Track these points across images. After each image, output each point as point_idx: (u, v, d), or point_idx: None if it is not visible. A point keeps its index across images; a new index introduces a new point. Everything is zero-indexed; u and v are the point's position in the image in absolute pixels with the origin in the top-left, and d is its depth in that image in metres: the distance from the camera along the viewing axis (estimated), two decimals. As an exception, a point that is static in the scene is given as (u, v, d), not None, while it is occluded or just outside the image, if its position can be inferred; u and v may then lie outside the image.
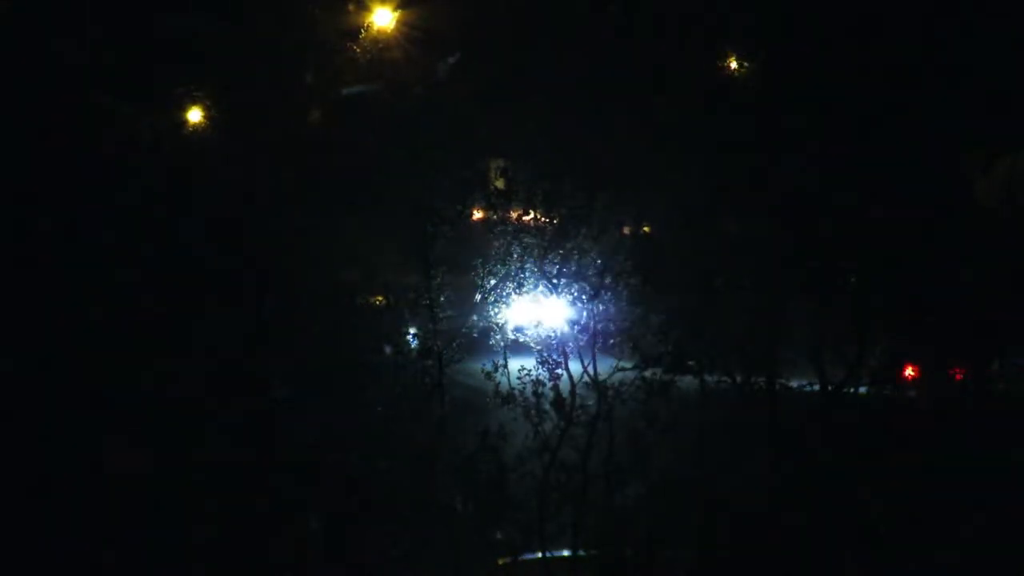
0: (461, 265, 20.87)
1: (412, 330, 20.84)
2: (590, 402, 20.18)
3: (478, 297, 20.54)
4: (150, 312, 19.63)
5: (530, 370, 20.19)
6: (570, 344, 20.30)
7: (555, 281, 20.33)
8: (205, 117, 21.28)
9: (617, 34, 21.04)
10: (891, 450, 19.42)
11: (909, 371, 20.05)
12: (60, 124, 20.12)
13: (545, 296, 20.41)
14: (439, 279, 20.59)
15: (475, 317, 20.45)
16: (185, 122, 21.17)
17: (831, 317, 19.92)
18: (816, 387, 20.03)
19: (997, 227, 19.50)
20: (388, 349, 20.71)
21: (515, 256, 20.42)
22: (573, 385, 20.19)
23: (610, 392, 20.14)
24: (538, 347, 20.24)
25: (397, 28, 21.60)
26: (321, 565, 19.62)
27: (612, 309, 20.43)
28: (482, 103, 21.29)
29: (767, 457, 19.99)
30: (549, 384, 20.20)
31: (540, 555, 19.97)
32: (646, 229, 21.20)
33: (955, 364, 19.72)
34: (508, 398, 20.08)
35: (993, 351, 19.72)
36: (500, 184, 21.12)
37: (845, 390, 19.84)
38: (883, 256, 19.79)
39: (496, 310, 20.42)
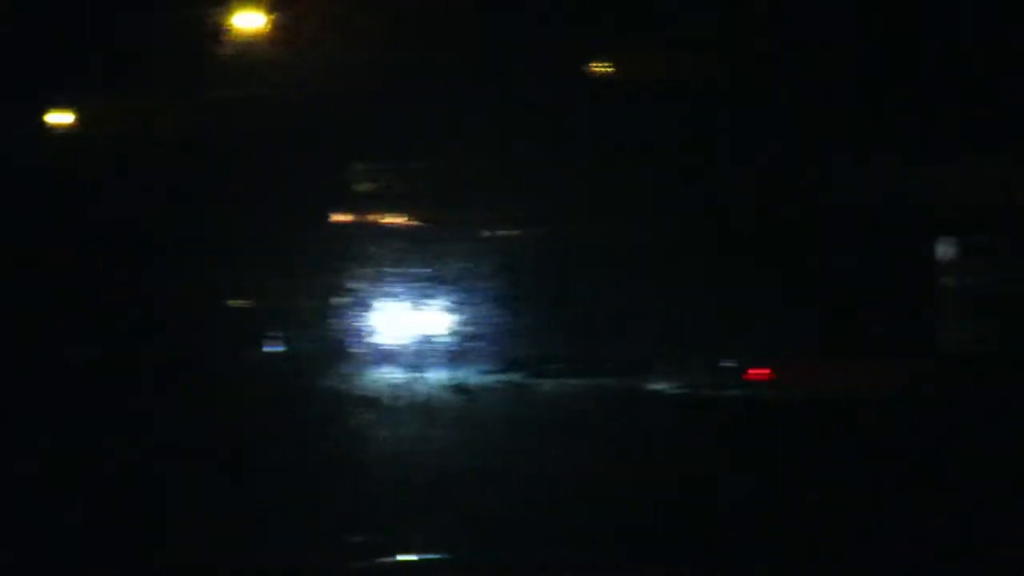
0: (329, 270, 20.91)
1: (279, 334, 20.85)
2: (451, 405, 20.21)
3: (346, 303, 20.59)
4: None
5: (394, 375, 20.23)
6: (434, 349, 20.32)
7: (417, 286, 20.33)
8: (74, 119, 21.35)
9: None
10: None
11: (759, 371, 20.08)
12: None
13: (409, 301, 20.43)
14: (306, 284, 20.62)
15: (340, 322, 20.48)
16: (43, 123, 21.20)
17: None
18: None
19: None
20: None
21: (378, 261, 20.46)
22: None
23: (470, 395, 20.13)
24: (402, 352, 20.27)
25: (268, 28, 21.58)
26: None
27: (476, 313, 20.45)
28: (355, 104, 21.28)
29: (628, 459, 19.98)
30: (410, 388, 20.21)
31: (396, 558, 19.92)
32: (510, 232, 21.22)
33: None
34: (368, 402, 20.05)
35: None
36: (365, 188, 21.15)
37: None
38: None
39: (362, 316, 20.45)
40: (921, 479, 18.91)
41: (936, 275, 20.47)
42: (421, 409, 20.15)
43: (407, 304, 20.35)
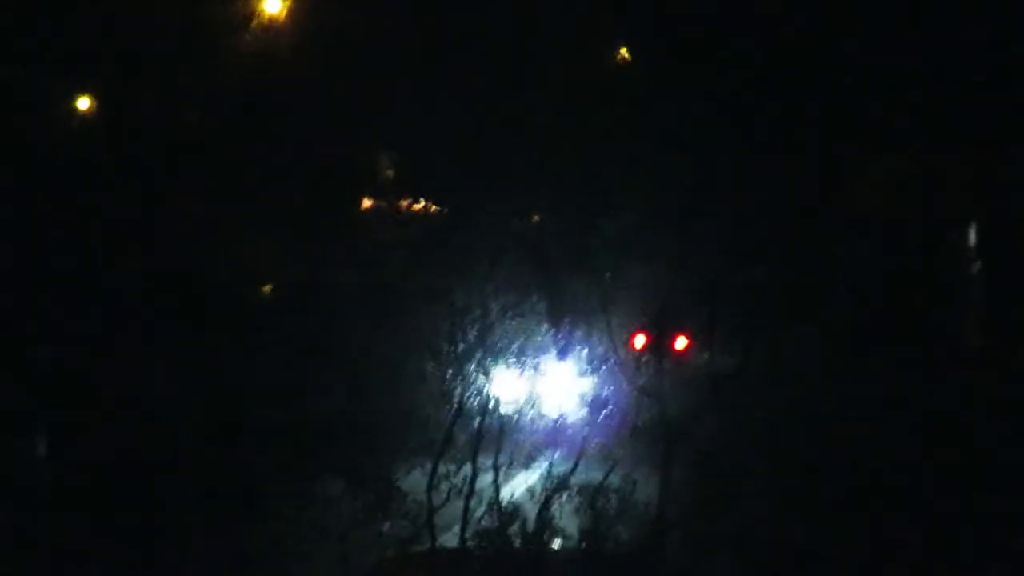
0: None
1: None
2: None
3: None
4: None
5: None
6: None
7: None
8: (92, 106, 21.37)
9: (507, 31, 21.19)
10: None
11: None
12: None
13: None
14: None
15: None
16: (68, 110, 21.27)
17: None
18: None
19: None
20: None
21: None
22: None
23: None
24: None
25: (287, 18, 21.58)
26: (206, 555, 19.78)
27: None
28: (375, 95, 21.32)
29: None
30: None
31: (428, 547, 20.21)
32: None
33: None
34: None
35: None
36: (390, 174, 21.26)
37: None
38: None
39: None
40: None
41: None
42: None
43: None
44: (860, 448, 19.43)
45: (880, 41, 20.08)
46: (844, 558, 19.29)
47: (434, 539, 20.03)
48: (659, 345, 20.69)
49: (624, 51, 21.44)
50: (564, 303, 20.63)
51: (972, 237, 20.67)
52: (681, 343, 20.87)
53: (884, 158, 20.74)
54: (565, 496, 20.22)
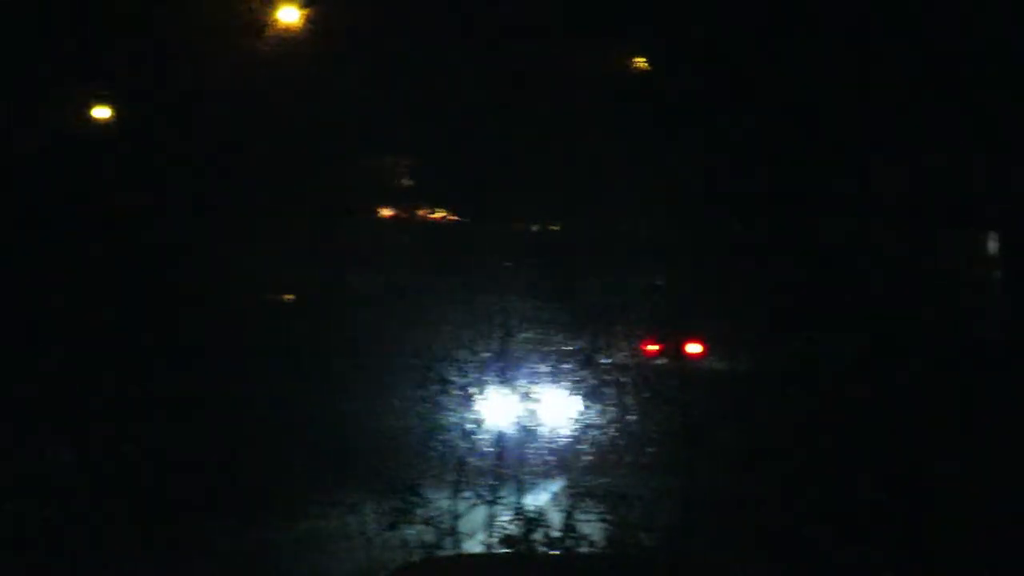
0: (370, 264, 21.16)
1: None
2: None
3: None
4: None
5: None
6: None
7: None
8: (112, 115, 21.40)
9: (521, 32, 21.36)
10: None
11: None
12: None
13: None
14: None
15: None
16: (89, 119, 21.24)
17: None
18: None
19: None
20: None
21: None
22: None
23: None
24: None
25: (303, 25, 21.65)
26: (230, 556, 19.67)
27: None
28: (386, 100, 21.43)
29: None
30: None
31: (454, 552, 20.15)
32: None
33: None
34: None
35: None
36: (408, 182, 21.38)
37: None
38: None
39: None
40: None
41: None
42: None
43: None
44: (886, 450, 19.63)
45: (913, 35, 20.31)
46: (874, 561, 19.41)
47: (458, 544, 20.03)
48: (673, 350, 20.88)
49: (643, 61, 21.66)
50: (583, 309, 20.76)
51: (1001, 236, 20.99)
52: (694, 347, 21.03)
53: (912, 156, 20.91)
54: (588, 502, 20.30)
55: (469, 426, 20.27)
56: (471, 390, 20.36)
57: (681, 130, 20.71)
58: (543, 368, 20.59)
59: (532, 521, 20.01)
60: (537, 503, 20.38)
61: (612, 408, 20.69)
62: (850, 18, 20.25)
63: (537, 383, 20.59)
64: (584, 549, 20.09)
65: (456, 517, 19.97)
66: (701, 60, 20.81)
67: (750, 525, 19.75)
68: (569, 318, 20.74)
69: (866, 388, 19.81)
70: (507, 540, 20.04)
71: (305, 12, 21.52)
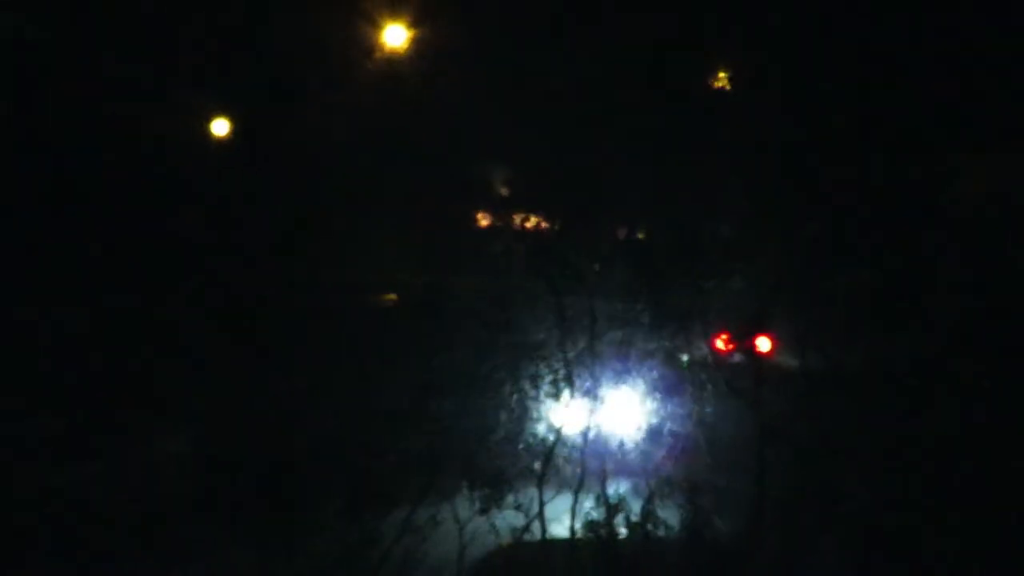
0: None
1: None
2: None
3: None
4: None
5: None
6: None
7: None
8: (231, 129, 23.01)
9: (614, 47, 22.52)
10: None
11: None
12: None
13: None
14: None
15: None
16: (208, 131, 22.91)
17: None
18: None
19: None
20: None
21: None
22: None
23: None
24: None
25: (409, 44, 23.08)
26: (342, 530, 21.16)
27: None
28: (486, 114, 22.76)
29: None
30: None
31: (540, 538, 21.58)
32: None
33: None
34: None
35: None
36: (504, 191, 22.75)
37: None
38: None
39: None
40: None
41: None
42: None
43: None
44: (959, 447, 20.44)
45: (991, 39, 20.99)
46: (942, 552, 20.29)
47: (545, 529, 21.43)
48: (745, 347, 21.99)
49: (723, 73, 22.78)
50: (667, 310, 21.90)
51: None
52: (765, 344, 22.03)
53: (988, 158, 21.56)
54: (667, 490, 21.56)
55: (556, 422, 21.63)
56: (561, 386, 21.75)
57: (760, 140, 21.77)
58: (625, 366, 21.79)
59: (613, 508, 21.41)
60: (619, 492, 21.68)
61: (690, 403, 21.85)
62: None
63: (620, 380, 21.83)
64: (661, 533, 21.40)
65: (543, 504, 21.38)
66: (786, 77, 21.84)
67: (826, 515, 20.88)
68: (653, 318, 21.88)
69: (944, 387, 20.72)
70: (590, 525, 21.44)
71: (411, 32, 22.93)
